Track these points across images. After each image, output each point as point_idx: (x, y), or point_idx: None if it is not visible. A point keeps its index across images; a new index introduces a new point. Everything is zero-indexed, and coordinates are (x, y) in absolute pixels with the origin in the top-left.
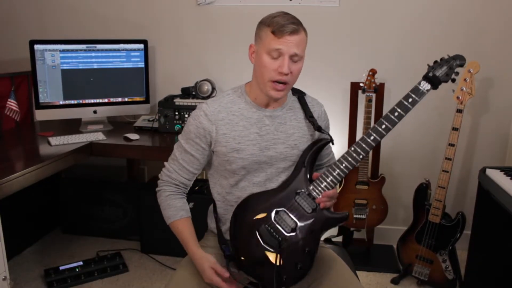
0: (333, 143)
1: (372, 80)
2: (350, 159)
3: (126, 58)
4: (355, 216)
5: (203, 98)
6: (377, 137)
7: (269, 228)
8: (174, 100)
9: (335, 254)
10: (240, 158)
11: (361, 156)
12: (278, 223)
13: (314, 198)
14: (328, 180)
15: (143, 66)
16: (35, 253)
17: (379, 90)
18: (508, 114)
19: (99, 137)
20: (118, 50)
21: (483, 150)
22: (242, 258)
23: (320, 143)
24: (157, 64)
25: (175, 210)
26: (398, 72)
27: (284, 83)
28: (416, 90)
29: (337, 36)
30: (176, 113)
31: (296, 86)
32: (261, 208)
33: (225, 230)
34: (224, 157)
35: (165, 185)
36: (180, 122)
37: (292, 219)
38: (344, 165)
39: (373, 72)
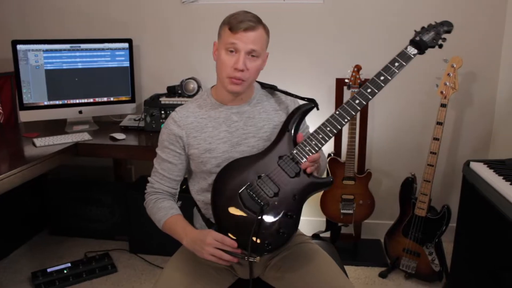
0: (317, 108)
1: (357, 76)
2: (334, 122)
3: (111, 58)
4: (342, 211)
5: (189, 96)
6: (362, 100)
7: (251, 193)
8: (160, 99)
9: (321, 249)
10: (213, 158)
11: (345, 120)
12: (260, 188)
13: (297, 163)
14: (312, 144)
15: (128, 65)
16: (23, 256)
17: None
18: (491, 108)
19: (85, 137)
20: (103, 49)
21: (467, 144)
22: (223, 224)
23: (304, 108)
24: (142, 63)
25: (165, 210)
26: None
27: (239, 79)
28: (402, 55)
29: (321, 32)
30: (162, 112)
31: (281, 83)
32: (243, 173)
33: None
34: (198, 159)
35: (150, 195)
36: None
37: (274, 184)
38: (328, 128)
39: (358, 68)
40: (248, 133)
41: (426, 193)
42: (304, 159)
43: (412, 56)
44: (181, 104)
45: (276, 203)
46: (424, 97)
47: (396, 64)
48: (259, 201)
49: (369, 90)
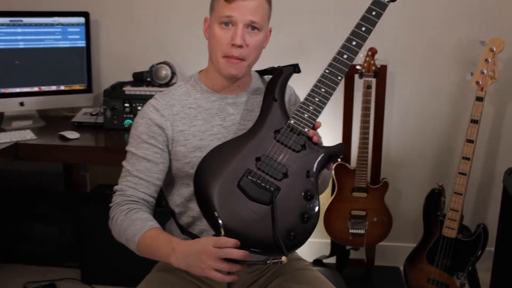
0: (299, 71)
1: (372, 62)
2: (329, 82)
3: (62, 36)
4: (351, 231)
5: (161, 85)
6: (351, 55)
7: (254, 179)
8: (124, 89)
9: (324, 278)
10: None
11: (339, 78)
12: (264, 172)
13: (299, 133)
14: (310, 109)
15: (84, 45)
16: None
17: (380, 73)
18: None
19: (27, 136)
20: (52, 25)
21: (508, 147)
22: (229, 228)
23: (287, 72)
24: (101, 43)
25: (141, 222)
26: (404, 51)
27: (238, 58)
28: (377, 3)
29: (326, 8)
30: (126, 104)
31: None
32: (234, 160)
33: (198, 231)
34: (185, 159)
35: (120, 206)
36: (131, 116)
37: (279, 163)
38: (323, 90)
39: (372, 52)
40: (245, 129)
41: (457, 208)
42: (307, 128)
43: (386, 3)
44: (150, 96)
45: (288, 185)
46: (455, 88)
47: (374, 13)
48: (267, 187)
49: (354, 43)
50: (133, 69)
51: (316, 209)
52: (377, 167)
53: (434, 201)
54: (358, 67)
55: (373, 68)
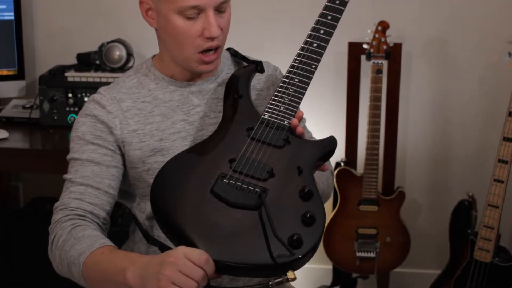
0: (262, 71)
1: (382, 40)
2: (305, 67)
3: None
4: (359, 254)
5: (113, 70)
6: (329, 29)
7: (231, 182)
8: (66, 74)
9: None
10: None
11: (313, 66)
12: (242, 173)
13: (278, 127)
14: (286, 101)
15: (12, 18)
16: None
17: (394, 54)
18: None
19: None
20: None
21: None
22: (210, 248)
23: (249, 68)
24: (36, 16)
25: (90, 240)
26: (422, 25)
27: (215, 49)
28: None
29: None
30: (70, 94)
31: (259, 52)
32: (201, 167)
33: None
34: (143, 166)
35: (61, 223)
36: (76, 109)
37: (259, 161)
38: (297, 80)
39: (383, 27)
40: (216, 123)
41: (492, 225)
42: (286, 121)
43: None
44: (100, 83)
45: (277, 185)
46: (488, 73)
47: (337, 2)
48: (251, 188)
49: (329, 17)
50: (77, 49)
51: (319, 207)
52: (390, 174)
53: (463, 217)
54: (365, 46)
55: (384, 47)
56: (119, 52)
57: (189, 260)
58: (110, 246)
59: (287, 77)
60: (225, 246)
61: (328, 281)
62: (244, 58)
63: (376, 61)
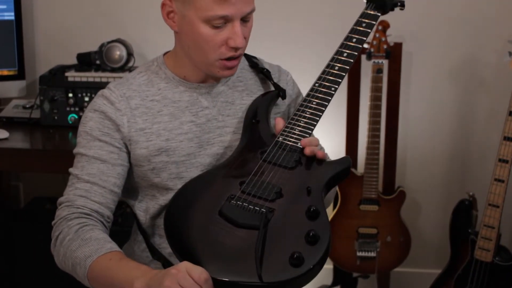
0: (284, 97)
1: (383, 39)
2: (324, 89)
3: None
4: (359, 254)
5: (114, 70)
6: (352, 52)
7: (239, 203)
8: (66, 74)
9: None
10: (172, 163)
11: (333, 89)
12: (250, 194)
13: (291, 150)
14: (302, 124)
15: (12, 18)
16: None
17: (394, 54)
18: None
19: None
20: None
21: None
22: (212, 268)
23: (271, 93)
24: (36, 16)
25: (97, 243)
26: (423, 25)
27: (238, 57)
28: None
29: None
30: (70, 94)
31: (257, 51)
32: (213, 187)
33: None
34: (148, 165)
35: (68, 221)
36: (77, 109)
37: (269, 182)
38: (315, 102)
39: (383, 27)
40: (224, 126)
41: (492, 225)
42: (300, 143)
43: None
44: (100, 83)
45: (284, 205)
46: (489, 72)
47: (364, 24)
48: (257, 209)
49: (345, 55)
50: (77, 49)
51: (326, 227)
52: (390, 173)
53: (463, 216)
54: (365, 45)
55: (385, 47)
56: (119, 52)
57: (189, 276)
58: (118, 252)
59: (305, 100)
60: (226, 264)
61: (329, 280)
62: (256, 64)
63: (376, 60)
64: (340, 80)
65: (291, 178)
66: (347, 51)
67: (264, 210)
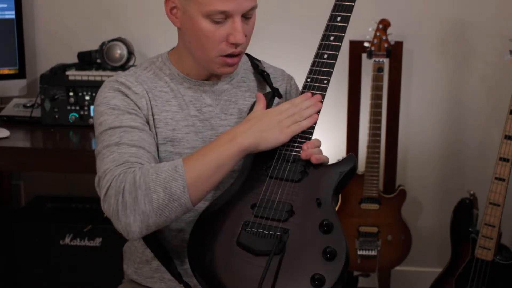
0: (280, 96)
1: (384, 38)
2: (316, 84)
3: None
4: (360, 252)
5: (114, 68)
6: (334, 52)
7: (254, 230)
8: (67, 73)
9: None
10: (177, 154)
11: (325, 82)
12: (263, 217)
13: (294, 160)
14: (299, 133)
15: (13, 17)
16: None
17: (395, 52)
18: None
19: None
20: None
21: None
22: None
23: (267, 94)
24: (37, 14)
25: (173, 161)
26: (424, 24)
27: (238, 54)
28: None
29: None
30: (71, 93)
31: (257, 51)
32: (227, 218)
33: (181, 239)
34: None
35: (126, 174)
36: (77, 108)
37: (279, 201)
38: None
39: (384, 25)
40: (226, 125)
41: (493, 223)
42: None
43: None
44: (101, 82)
45: (298, 223)
46: (490, 71)
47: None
48: (272, 233)
49: (332, 38)
50: (78, 47)
51: (341, 239)
52: (391, 172)
53: (464, 215)
54: (366, 44)
55: (386, 45)
56: (120, 51)
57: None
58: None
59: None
60: None
61: None
62: (257, 66)
63: (377, 59)
64: (332, 70)
65: (299, 192)
66: (335, 34)
67: (279, 233)
